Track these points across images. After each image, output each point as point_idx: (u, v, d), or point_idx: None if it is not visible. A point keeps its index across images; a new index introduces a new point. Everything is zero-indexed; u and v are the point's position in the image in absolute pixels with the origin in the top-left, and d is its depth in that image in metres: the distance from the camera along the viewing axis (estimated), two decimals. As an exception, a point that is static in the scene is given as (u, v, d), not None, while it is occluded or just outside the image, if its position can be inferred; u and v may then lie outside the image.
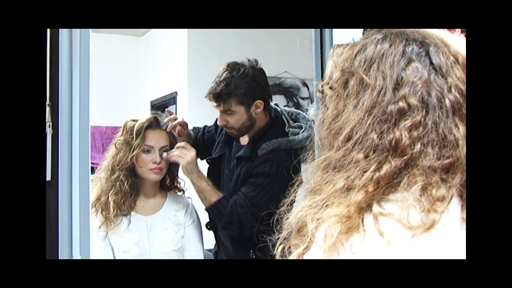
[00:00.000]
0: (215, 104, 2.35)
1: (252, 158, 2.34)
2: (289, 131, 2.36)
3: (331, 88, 0.92)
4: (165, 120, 2.44)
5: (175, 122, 2.46)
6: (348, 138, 0.84)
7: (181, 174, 2.45)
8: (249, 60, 2.38)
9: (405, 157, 0.80)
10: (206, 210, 2.37)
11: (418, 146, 0.80)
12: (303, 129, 2.36)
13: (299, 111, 2.52)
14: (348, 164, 0.83)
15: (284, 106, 2.62)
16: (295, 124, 2.39)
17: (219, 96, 2.31)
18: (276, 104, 2.54)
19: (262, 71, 2.39)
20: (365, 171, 0.81)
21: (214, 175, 2.51)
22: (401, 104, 0.82)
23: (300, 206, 0.86)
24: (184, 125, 2.54)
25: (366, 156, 0.82)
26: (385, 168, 0.80)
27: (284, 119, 2.42)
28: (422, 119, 0.82)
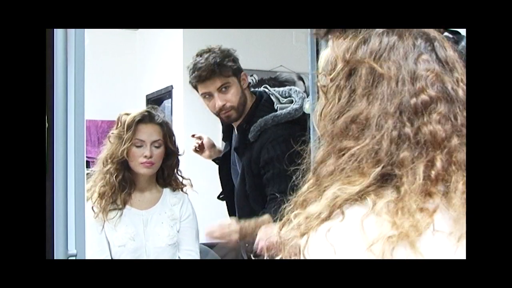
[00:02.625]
0: (210, 84, 2.29)
1: (247, 144, 2.30)
2: (278, 107, 2.31)
3: (331, 80, 0.90)
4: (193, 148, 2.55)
5: (200, 142, 2.57)
6: (376, 129, 0.82)
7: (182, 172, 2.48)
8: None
9: (445, 151, 0.80)
10: None
11: (455, 139, 0.80)
12: (293, 103, 2.31)
13: (291, 87, 2.47)
14: (373, 155, 0.81)
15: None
16: (285, 100, 2.33)
17: (215, 68, 2.25)
18: (265, 87, 2.48)
19: None
20: (414, 169, 0.79)
21: (224, 175, 2.52)
22: (424, 96, 0.82)
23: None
24: (208, 144, 2.62)
25: (410, 153, 0.80)
26: (438, 163, 0.79)
27: (273, 98, 2.35)
28: (446, 112, 0.82)
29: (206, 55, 2.28)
